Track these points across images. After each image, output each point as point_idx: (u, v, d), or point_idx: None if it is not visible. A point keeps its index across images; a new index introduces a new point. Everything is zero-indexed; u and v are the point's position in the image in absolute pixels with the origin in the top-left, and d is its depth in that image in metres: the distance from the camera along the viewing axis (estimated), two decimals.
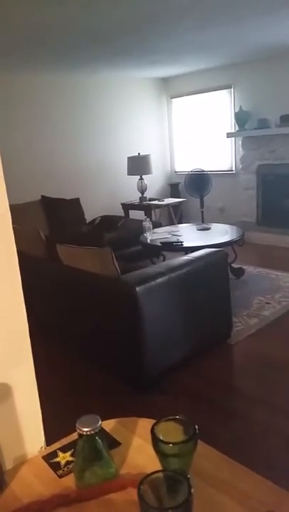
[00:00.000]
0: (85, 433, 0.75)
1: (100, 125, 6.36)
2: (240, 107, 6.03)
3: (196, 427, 0.75)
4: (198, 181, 5.72)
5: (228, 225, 4.81)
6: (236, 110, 6.09)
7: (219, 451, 0.87)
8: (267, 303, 3.92)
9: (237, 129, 6.10)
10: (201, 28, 3.97)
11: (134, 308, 2.57)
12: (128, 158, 6.12)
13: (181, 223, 5.97)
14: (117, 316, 2.74)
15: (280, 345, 3.21)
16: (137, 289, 2.55)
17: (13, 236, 0.86)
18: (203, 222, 5.44)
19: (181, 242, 4.22)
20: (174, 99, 7.06)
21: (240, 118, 6.00)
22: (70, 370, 3.12)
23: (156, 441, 0.74)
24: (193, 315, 2.97)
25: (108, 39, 4.11)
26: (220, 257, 3.18)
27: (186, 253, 3.44)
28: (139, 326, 2.60)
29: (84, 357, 3.19)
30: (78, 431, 0.75)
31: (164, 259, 4.44)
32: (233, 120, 6.19)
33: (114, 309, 2.77)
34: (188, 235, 4.55)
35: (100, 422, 0.76)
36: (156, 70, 6.14)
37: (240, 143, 6.22)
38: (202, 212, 5.76)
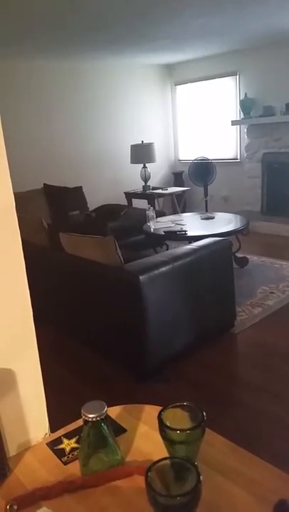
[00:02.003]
0: (90, 419, 0.74)
1: (103, 113, 6.30)
2: (246, 94, 5.96)
3: (204, 413, 0.74)
4: (203, 170, 5.67)
5: (232, 214, 4.77)
6: (241, 97, 6.01)
7: (224, 438, 0.86)
8: (271, 292, 3.90)
9: (242, 116, 6.03)
10: (205, 14, 3.90)
11: (138, 296, 2.56)
12: (131, 146, 6.07)
13: (184, 212, 5.94)
14: (120, 304, 2.73)
15: (283, 335, 3.20)
16: (140, 277, 2.53)
17: (17, 226, 0.85)
18: (207, 211, 5.40)
19: (185, 231, 4.19)
20: (178, 86, 6.98)
21: (246, 105, 5.92)
22: (73, 358, 3.12)
23: (163, 428, 0.72)
24: (196, 304, 2.96)
25: (111, 25, 4.04)
26: (224, 246, 3.16)
27: (190, 242, 3.42)
28: (142, 314, 2.59)
29: (87, 345, 3.19)
30: (84, 417, 0.74)
31: (168, 249, 4.42)
32: (238, 107, 6.12)
33: (117, 298, 2.75)
34: (191, 224, 4.52)
35: (105, 409, 0.75)
36: (160, 56, 6.06)
37: (245, 131, 6.15)
38: (206, 201, 5.71)
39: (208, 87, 6.55)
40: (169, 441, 0.72)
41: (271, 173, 6.01)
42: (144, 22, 4.04)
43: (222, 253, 3.14)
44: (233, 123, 6.08)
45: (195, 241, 3.22)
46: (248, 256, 4.66)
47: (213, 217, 4.68)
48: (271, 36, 5.13)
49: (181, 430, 0.71)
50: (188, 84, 6.78)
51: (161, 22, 4.09)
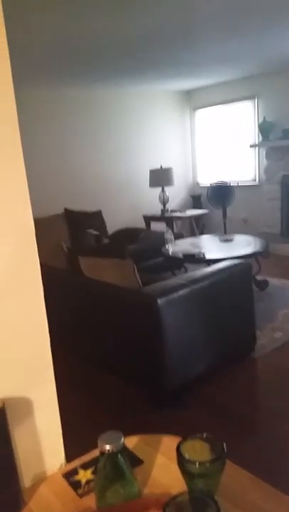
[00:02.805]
0: (107, 451, 0.72)
1: (122, 138, 6.40)
2: (264, 117, 5.98)
3: (225, 445, 0.71)
4: (221, 192, 5.68)
5: (251, 237, 4.74)
6: (260, 121, 6.04)
7: (246, 471, 0.82)
8: None
9: (261, 139, 6.04)
10: (224, 39, 3.97)
11: (156, 320, 2.53)
12: (150, 171, 6.13)
13: (203, 235, 5.92)
14: (139, 328, 2.71)
15: None
16: (159, 300, 2.51)
17: (37, 254, 0.85)
18: (225, 233, 5.37)
19: (203, 253, 4.17)
20: (197, 111, 7.06)
21: (264, 128, 5.94)
22: (91, 383, 3.09)
23: (181, 460, 0.70)
24: (215, 327, 2.91)
25: (131, 52, 4.14)
26: (243, 269, 3.12)
27: (209, 265, 3.39)
28: (160, 338, 2.55)
29: (105, 370, 3.16)
30: (100, 448, 0.72)
31: (186, 271, 4.39)
32: (257, 131, 6.14)
33: (135, 321, 2.73)
34: (210, 246, 4.50)
35: (122, 439, 0.73)
36: (179, 82, 6.16)
37: (264, 153, 6.15)
38: (224, 223, 5.69)
39: (226, 111, 6.62)
40: (187, 475, 0.70)
41: None
42: (164, 49, 4.13)
43: (241, 276, 3.10)
44: (252, 146, 6.10)
45: (213, 263, 3.20)
46: (268, 278, 4.60)
47: (231, 240, 4.65)
48: (287, 62, 5.18)
49: (201, 463, 0.69)
50: (207, 108, 6.86)
51: (180, 48, 4.17)
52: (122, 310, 2.85)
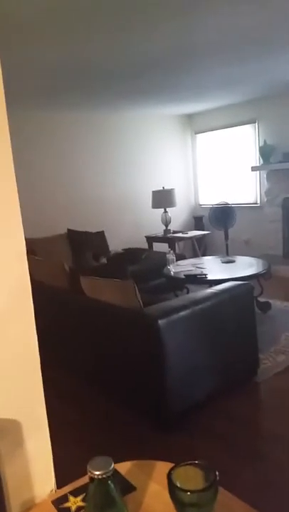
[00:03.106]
0: (96, 477, 0.70)
1: (125, 160, 6.46)
2: (265, 140, 6.04)
3: (217, 473, 0.69)
4: (223, 214, 5.69)
5: (253, 258, 4.73)
6: (261, 144, 6.10)
7: (246, 499, 0.79)
8: None
9: (262, 162, 6.09)
10: (224, 64, 4.04)
11: (157, 341, 2.50)
12: (153, 192, 6.18)
13: (205, 256, 5.92)
14: (139, 349, 2.68)
15: None
16: (160, 321, 2.49)
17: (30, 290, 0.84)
18: (227, 254, 5.36)
19: (205, 274, 4.16)
20: (198, 135, 7.15)
21: (265, 152, 6.00)
22: (89, 405, 3.04)
23: (172, 489, 0.68)
24: (217, 350, 2.87)
25: (131, 77, 4.21)
26: (245, 290, 3.10)
27: (210, 286, 3.37)
28: (161, 360, 2.52)
29: (104, 392, 3.12)
30: (89, 474, 0.70)
31: (188, 292, 4.37)
32: (258, 154, 6.20)
33: (136, 342, 2.70)
34: (212, 267, 4.48)
35: (112, 465, 0.71)
36: (180, 106, 6.26)
37: (264, 176, 6.19)
38: (227, 244, 5.69)
39: (227, 135, 6.69)
40: (179, 503, 0.67)
41: None
42: (165, 73, 4.20)
43: (243, 297, 3.08)
44: (253, 169, 6.15)
45: (215, 284, 3.18)
46: (270, 301, 4.56)
47: (234, 261, 4.64)
48: (287, 86, 5.26)
49: (192, 491, 0.66)
50: (208, 132, 6.94)
51: (181, 73, 4.24)
52: (122, 331, 2.83)
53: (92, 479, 0.70)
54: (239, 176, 6.62)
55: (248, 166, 6.27)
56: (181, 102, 5.83)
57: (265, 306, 4.43)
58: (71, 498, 0.81)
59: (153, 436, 2.57)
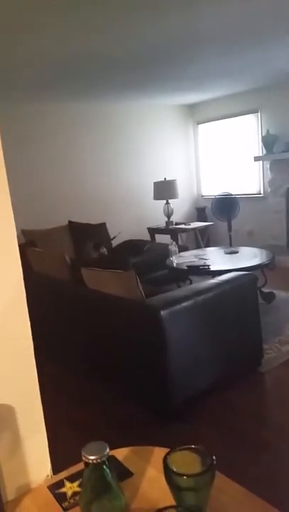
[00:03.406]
0: (91, 461, 0.69)
1: (126, 151, 6.43)
2: (268, 130, 5.99)
3: (214, 457, 0.68)
4: (226, 205, 5.65)
5: (257, 249, 4.70)
6: (263, 134, 6.04)
7: (248, 487, 0.78)
8: None
9: (264, 152, 6.04)
10: (226, 53, 3.99)
11: (159, 332, 2.50)
12: (154, 183, 6.14)
13: (208, 247, 5.89)
14: (142, 340, 2.67)
15: None
16: (162, 312, 2.48)
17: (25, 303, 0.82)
18: (231, 245, 5.34)
19: (208, 265, 4.13)
20: (200, 125, 7.09)
21: (268, 141, 5.94)
22: (91, 394, 3.04)
23: (168, 473, 0.66)
24: (221, 340, 2.86)
25: (132, 67, 4.17)
26: (249, 281, 3.08)
27: (214, 277, 3.35)
28: (163, 350, 2.51)
29: (106, 383, 3.12)
30: (84, 459, 0.69)
31: (191, 283, 4.35)
32: (261, 144, 6.14)
33: (138, 333, 2.70)
34: (215, 258, 4.46)
35: (107, 450, 0.70)
36: (182, 96, 6.20)
37: (268, 166, 6.14)
38: (230, 235, 5.66)
39: (230, 125, 6.63)
40: (175, 488, 0.66)
41: None
42: (165, 63, 4.16)
43: (247, 288, 3.06)
44: (256, 159, 6.09)
45: (218, 275, 3.16)
46: (274, 291, 4.54)
47: (237, 252, 4.61)
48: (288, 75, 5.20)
49: (188, 475, 0.65)
50: (210, 122, 6.88)
51: (182, 63, 4.20)
52: (125, 322, 2.82)
53: (86, 464, 0.69)
54: (242, 166, 6.57)
55: (251, 156, 6.21)
56: (183, 91, 5.78)
57: (270, 297, 4.41)
58: (67, 483, 0.80)
59: (155, 426, 2.57)
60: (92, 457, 0.68)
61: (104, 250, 4.88)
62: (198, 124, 7.10)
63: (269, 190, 6.17)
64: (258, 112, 6.23)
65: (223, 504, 0.73)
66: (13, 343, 0.81)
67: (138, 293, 2.71)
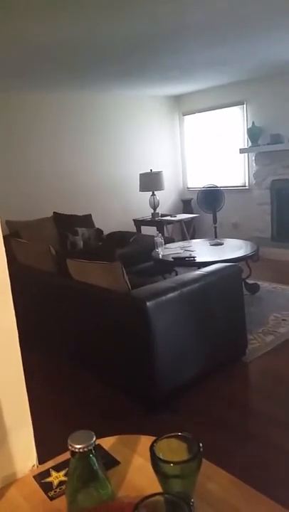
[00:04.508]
0: (77, 450, 0.68)
1: (112, 142, 6.39)
2: (253, 122, 6.00)
3: (201, 444, 0.68)
4: (211, 197, 5.67)
5: (242, 241, 4.72)
6: (249, 126, 6.06)
7: (236, 475, 0.79)
8: (283, 319, 3.81)
9: (250, 144, 6.05)
10: (212, 45, 3.98)
11: (145, 323, 2.50)
12: (140, 174, 6.12)
13: (194, 239, 5.90)
14: (127, 331, 2.67)
15: None
16: (148, 303, 2.48)
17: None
18: (216, 237, 5.36)
19: (194, 257, 4.15)
20: (186, 116, 7.07)
21: (253, 134, 5.96)
22: (77, 387, 3.04)
23: (155, 461, 0.66)
24: (206, 331, 2.88)
25: (119, 57, 4.13)
26: (233, 272, 3.10)
27: (199, 268, 3.36)
28: (149, 341, 2.52)
29: (93, 374, 3.11)
30: (70, 448, 0.68)
31: (177, 275, 4.36)
32: (246, 136, 6.16)
33: (124, 324, 2.70)
34: (201, 250, 4.47)
35: (94, 439, 0.69)
36: (168, 87, 6.17)
37: (253, 158, 6.16)
38: (215, 227, 5.69)
39: (215, 117, 6.63)
40: (162, 475, 0.66)
41: (280, 200, 5.98)
42: (151, 54, 4.13)
43: (232, 279, 3.08)
44: (242, 151, 6.11)
45: (204, 267, 3.17)
46: (259, 282, 4.58)
47: (222, 244, 4.63)
48: (277, 67, 5.20)
49: (175, 463, 0.65)
50: (196, 114, 6.87)
51: (168, 54, 4.17)
52: (110, 313, 2.81)
53: (73, 453, 0.69)
54: (228, 158, 6.58)
55: (237, 148, 6.23)
56: (168, 82, 5.75)
57: (254, 288, 4.45)
58: (53, 472, 0.80)
59: (142, 416, 2.58)
60: (78, 446, 0.68)
61: (75, 239, 4.86)
62: (184, 115, 7.08)
63: (254, 182, 6.20)
64: (243, 104, 6.24)
65: (210, 491, 0.73)
66: None
67: (124, 284, 2.71)
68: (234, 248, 4.40)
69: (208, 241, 4.87)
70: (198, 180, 6.95)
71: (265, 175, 6.02)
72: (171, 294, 2.63)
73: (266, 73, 5.59)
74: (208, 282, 2.89)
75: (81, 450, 0.68)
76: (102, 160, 6.30)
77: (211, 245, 4.64)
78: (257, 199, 6.18)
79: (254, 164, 6.15)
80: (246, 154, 6.28)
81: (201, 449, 0.67)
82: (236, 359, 3.17)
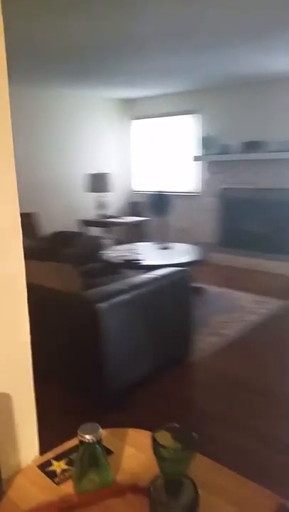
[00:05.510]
0: (86, 440, 0.76)
1: (59, 140, 6.34)
2: (206, 131, 6.23)
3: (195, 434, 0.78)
4: (160, 201, 5.82)
5: (189, 245, 4.91)
6: (203, 135, 6.28)
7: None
8: (226, 322, 4.02)
9: (203, 152, 6.28)
10: (165, 55, 4.09)
11: (96, 325, 2.53)
12: (87, 175, 6.15)
13: (141, 242, 6.03)
14: (79, 332, 2.70)
15: (239, 363, 3.29)
16: (99, 305, 2.52)
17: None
18: (164, 241, 5.51)
19: (140, 260, 4.25)
20: (136, 121, 7.19)
21: (206, 142, 6.18)
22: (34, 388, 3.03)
23: (156, 447, 0.75)
24: (155, 333, 2.97)
25: (70, 58, 4.13)
26: (184, 277, 3.23)
27: (147, 271, 3.45)
28: (100, 343, 2.56)
29: (48, 375, 3.12)
30: (80, 438, 0.76)
31: (124, 277, 4.44)
32: (199, 144, 6.37)
33: (76, 326, 2.72)
34: (148, 253, 4.59)
35: (100, 430, 0.77)
36: (119, 90, 6.23)
37: (205, 166, 6.40)
38: (163, 231, 5.85)
39: (167, 123, 6.80)
40: (162, 460, 0.75)
41: (228, 208, 6.27)
42: (104, 57, 4.17)
43: (181, 283, 3.20)
44: (196, 159, 6.31)
45: (151, 270, 3.27)
46: (204, 286, 4.79)
47: (170, 248, 4.79)
48: (229, 79, 5.45)
49: (175, 450, 0.75)
50: (148, 119, 7.01)
51: (120, 60, 4.23)
52: (61, 315, 2.82)
53: (82, 442, 0.77)
54: (179, 164, 6.77)
55: (189, 156, 6.43)
56: (120, 85, 5.80)
57: (200, 291, 4.64)
58: (54, 462, 0.87)
59: (93, 417, 2.62)
60: (87, 436, 0.76)
61: None
62: (134, 119, 7.19)
63: (205, 189, 6.44)
64: (197, 113, 6.44)
65: (199, 475, 0.83)
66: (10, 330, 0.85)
67: (74, 286, 2.74)
68: (182, 252, 4.57)
69: (156, 244, 5.01)
70: (147, 184, 7.09)
71: (216, 183, 6.28)
72: (122, 296, 2.69)
73: (219, 84, 5.81)
74: (159, 285, 2.99)
75: (90, 440, 0.76)
76: (48, 159, 6.24)
77: (159, 249, 4.78)
78: (206, 205, 6.43)
79: (206, 172, 6.38)
80: (199, 162, 6.50)
81: (197, 438, 0.77)
82: (183, 359, 3.32)
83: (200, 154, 6.36)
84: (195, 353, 3.39)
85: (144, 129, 7.16)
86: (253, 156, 5.73)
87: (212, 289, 4.89)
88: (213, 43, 3.80)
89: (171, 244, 4.93)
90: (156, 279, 3.01)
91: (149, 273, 3.16)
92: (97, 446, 0.77)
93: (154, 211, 5.80)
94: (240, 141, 5.88)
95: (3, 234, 0.82)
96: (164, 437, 0.80)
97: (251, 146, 5.76)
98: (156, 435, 0.78)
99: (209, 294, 4.76)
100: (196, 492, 0.66)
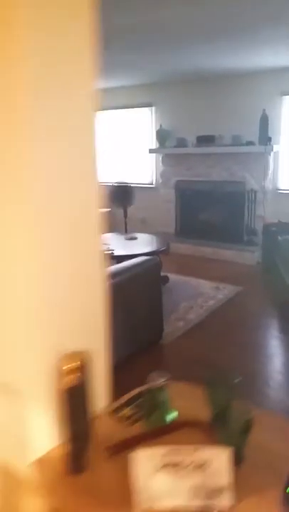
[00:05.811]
0: (155, 386, 0.97)
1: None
2: (161, 125, 6.46)
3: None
4: (122, 192, 6.00)
5: (152, 235, 5.14)
6: (157, 128, 6.51)
7: None
8: (191, 307, 4.30)
9: (158, 145, 6.51)
10: (121, 51, 4.23)
11: None
12: None
13: (105, 233, 6.18)
14: None
15: (203, 344, 3.58)
16: None
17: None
18: (126, 232, 5.71)
19: (112, 250, 4.43)
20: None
21: (161, 136, 6.42)
22: None
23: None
24: (129, 319, 3.17)
25: None
26: (154, 265, 3.47)
27: (118, 262, 3.63)
28: None
29: None
30: (151, 383, 0.97)
31: None
32: (154, 137, 6.60)
33: None
34: (117, 244, 4.77)
35: (166, 377, 0.99)
36: None
37: (160, 159, 6.64)
38: (125, 222, 6.03)
39: (126, 116, 6.96)
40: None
41: (183, 199, 6.57)
42: None
43: (152, 271, 3.43)
44: (151, 151, 6.54)
45: (122, 260, 3.46)
46: (168, 274, 5.05)
47: (136, 238, 5.00)
48: (184, 74, 5.65)
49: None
50: (107, 111, 7.12)
51: None
52: None
53: (151, 388, 0.98)
54: (137, 156, 6.96)
55: (146, 148, 6.64)
56: None
57: (164, 280, 4.90)
58: (124, 408, 1.07)
59: None
60: (160, 381, 0.97)
61: None
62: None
63: (160, 181, 6.70)
64: (152, 106, 6.65)
65: None
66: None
67: None
68: (147, 242, 4.79)
69: (122, 235, 5.20)
70: (107, 175, 7.23)
71: (171, 175, 6.55)
72: None
73: (174, 79, 6.00)
74: (131, 274, 3.19)
75: (158, 385, 0.97)
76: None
77: (126, 239, 4.98)
78: (163, 197, 6.69)
79: (161, 164, 6.63)
80: (155, 154, 6.73)
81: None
82: (154, 342, 3.57)
83: (154, 147, 6.58)
84: (165, 336, 3.64)
85: (103, 120, 7.26)
86: (206, 149, 6.02)
87: (174, 277, 5.16)
88: (168, 41, 3.99)
89: (136, 235, 5.12)
90: (129, 268, 3.20)
91: (125, 262, 3.36)
92: (164, 389, 0.99)
93: (117, 202, 5.97)
94: (194, 135, 6.14)
95: None
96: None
97: (205, 140, 6.03)
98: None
99: (172, 281, 5.03)
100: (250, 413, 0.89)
